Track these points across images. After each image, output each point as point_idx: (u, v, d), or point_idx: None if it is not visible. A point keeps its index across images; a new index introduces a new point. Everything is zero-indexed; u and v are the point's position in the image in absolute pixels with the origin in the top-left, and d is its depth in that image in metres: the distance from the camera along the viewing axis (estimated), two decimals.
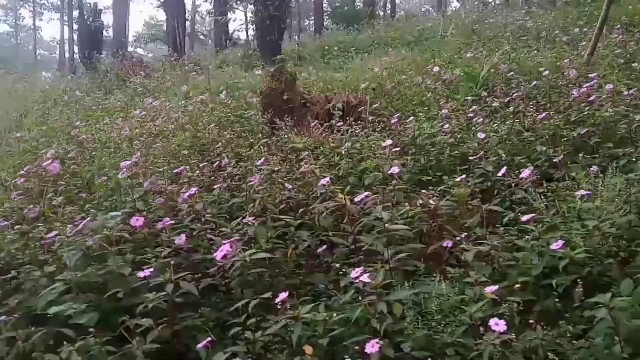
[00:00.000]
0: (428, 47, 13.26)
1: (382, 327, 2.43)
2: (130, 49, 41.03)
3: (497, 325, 2.05)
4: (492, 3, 23.97)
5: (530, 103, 5.00)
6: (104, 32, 32.42)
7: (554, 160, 3.72)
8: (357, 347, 2.37)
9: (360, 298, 2.58)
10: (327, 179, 3.28)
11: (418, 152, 4.59)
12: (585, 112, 4.23)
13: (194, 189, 3.31)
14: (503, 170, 3.41)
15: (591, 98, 4.36)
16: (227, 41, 23.85)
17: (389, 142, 3.92)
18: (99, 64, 19.60)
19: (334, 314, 2.47)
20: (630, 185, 2.87)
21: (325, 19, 30.56)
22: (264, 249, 2.98)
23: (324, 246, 3.41)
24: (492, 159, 3.94)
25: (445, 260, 3.21)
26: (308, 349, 2.47)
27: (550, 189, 3.34)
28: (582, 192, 2.93)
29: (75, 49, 30.06)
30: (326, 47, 16.98)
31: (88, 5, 26.75)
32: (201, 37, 41.50)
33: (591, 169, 3.50)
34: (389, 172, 3.33)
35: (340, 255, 3.35)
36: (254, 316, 2.58)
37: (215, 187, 4.00)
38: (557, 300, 2.64)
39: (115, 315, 2.51)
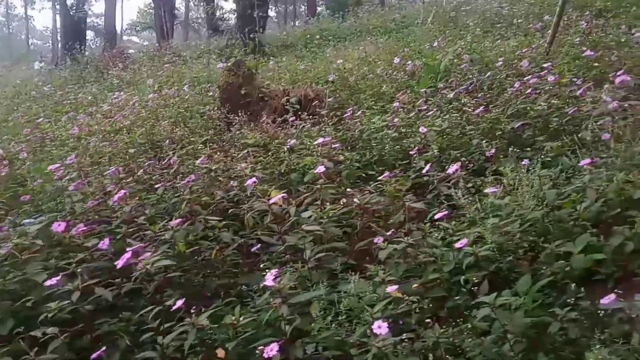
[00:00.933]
0: (405, 35, 13.22)
1: (289, 329, 2.49)
2: (125, 37, 40.71)
3: (380, 328, 2.09)
4: None
5: (479, 95, 5.01)
6: (98, 21, 32.05)
7: (487, 154, 3.76)
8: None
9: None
10: (254, 179, 3.30)
11: (364, 146, 4.62)
12: (522, 105, 4.25)
13: (123, 192, 3.33)
14: (428, 166, 3.45)
15: (528, 90, 4.38)
16: (210, 30, 23.64)
17: (320, 140, 3.94)
18: (80, 55, 19.46)
19: (241, 317, 2.52)
20: (542, 181, 2.91)
21: (320, 5, 30.29)
22: (182, 252, 3.02)
23: (258, 245, 3.46)
24: (430, 154, 3.97)
25: (375, 258, 3.26)
26: (220, 352, 2.53)
27: (476, 183, 3.38)
28: (492, 189, 2.97)
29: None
30: (308, 36, 16.85)
31: None
32: (195, 25, 41.15)
33: (522, 162, 3.53)
34: (315, 171, 3.36)
35: (277, 254, 3.40)
36: (169, 320, 2.63)
37: (157, 186, 4.03)
38: (467, 296, 2.70)
39: (34, 323, 2.56)
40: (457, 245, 2.64)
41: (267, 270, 2.70)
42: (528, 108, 4.16)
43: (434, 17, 14.46)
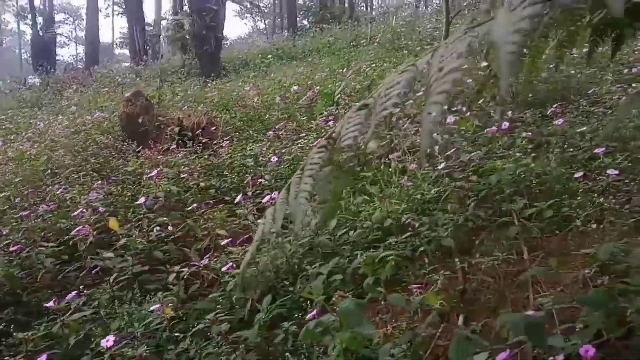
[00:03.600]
0: (347, 55, 13.75)
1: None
2: (118, 51, 40.84)
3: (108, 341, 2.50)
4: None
5: None
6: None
7: None
8: None
9: None
10: (81, 209, 3.72)
11: (224, 174, 5.06)
12: None
13: None
14: (240, 196, 3.89)
15: None
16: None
17: (154, 171, 4.38)
18: (46, 76, 19.86)
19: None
20: None
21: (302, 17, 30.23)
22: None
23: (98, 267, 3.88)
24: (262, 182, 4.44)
25: None
26: None
27: None
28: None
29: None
30: (260, 55, 17.37)
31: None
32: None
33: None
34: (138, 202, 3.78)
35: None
36: None
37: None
38: None
39: None
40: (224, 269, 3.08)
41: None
42: None
43: (381, 37, 15.03)
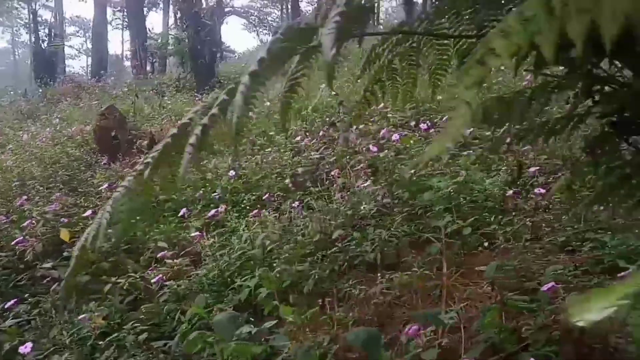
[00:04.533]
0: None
1: None
2: (126, 64, 41.15)
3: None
4: None
5: None
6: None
7: None
8: None
9: None
10: (30, 220, 3.85)
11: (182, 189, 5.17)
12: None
13: None
14: None
15: None
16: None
17: (105, 184, 4.51)
18: (45, 87, 20.17)
19: None
20: None
21: None
22: None
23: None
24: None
25: None
26: None
27: None
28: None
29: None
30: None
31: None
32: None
33: None
34: None
35: None
36: None
37: None
38: None
39: None
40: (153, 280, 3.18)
41: None
42: None
43: None
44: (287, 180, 4.36)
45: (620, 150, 1.33)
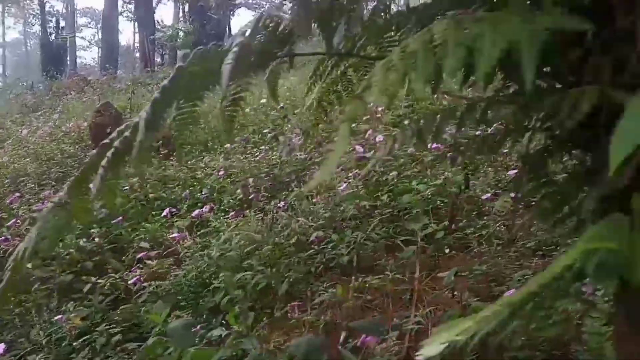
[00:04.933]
0: None
1: None
2: (137, 54, 41.17)
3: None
4: None
5: None
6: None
7: None
8: None
9: None
10: (15, 220, 3.91)
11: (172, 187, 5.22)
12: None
13: None
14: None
15: None
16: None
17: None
18: (52, 81, 20.29)
19: None
20: None
21: None
22: None
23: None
24: None
25: None
26: None
27: None
28: None
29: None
30: None
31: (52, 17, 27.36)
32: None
33: None
34: None
35: None
36: None
37: None
38: None
39: None
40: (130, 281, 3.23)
41: None
42: None
43: None
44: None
45: (552, 176, 1.31)
